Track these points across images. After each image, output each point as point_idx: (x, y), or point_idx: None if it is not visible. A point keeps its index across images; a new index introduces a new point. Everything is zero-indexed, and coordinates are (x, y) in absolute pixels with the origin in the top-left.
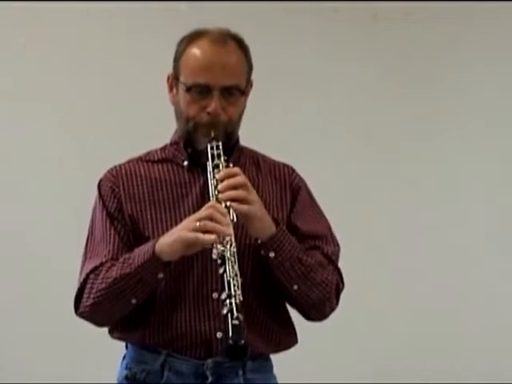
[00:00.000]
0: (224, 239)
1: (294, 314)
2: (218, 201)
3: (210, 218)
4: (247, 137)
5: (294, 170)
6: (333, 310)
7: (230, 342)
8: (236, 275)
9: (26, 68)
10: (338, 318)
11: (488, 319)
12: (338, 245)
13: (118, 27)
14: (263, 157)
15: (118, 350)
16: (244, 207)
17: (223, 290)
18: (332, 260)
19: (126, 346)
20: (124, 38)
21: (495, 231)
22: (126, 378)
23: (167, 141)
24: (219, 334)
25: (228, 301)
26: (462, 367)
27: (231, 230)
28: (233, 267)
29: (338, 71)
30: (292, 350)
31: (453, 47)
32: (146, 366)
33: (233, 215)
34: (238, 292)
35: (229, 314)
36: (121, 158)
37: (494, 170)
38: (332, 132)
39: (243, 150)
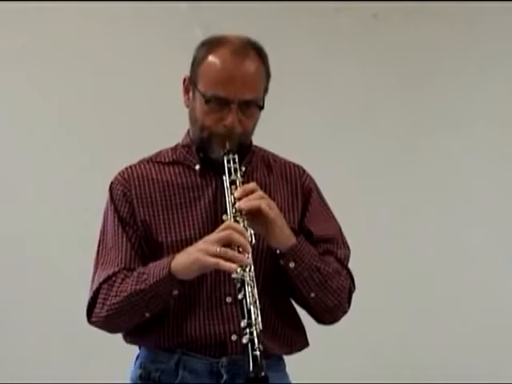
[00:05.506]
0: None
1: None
2: (236, 220)
3: (230, 241)
4: None
5: (304, 171)
6: (345, 313)
7: (252, 375)
8: (255, 302)
9: (26, 68)
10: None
11: (489, 320)
12: (348, 247)
13: (119, 27)
14: (273, 156)
15: (129, 349)
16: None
17: (243, 317)
18: (345, 265)
19: (139, 346)
20: (124, 37)
21: (502, 232)
22: (141, 377)
23: (168, 141)
24: (234, 337)
25: (248, 330)
26: (465, 368)
27: (250, 255)
28: (252, 293)
29: (338, 71)
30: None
31: (452, 47)
32: (160, 364)
33: (251, 236)
34: (259, 320)
35: (249, 344)
36: (123, 160)
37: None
38: (331, 131)
39: (254, 150)
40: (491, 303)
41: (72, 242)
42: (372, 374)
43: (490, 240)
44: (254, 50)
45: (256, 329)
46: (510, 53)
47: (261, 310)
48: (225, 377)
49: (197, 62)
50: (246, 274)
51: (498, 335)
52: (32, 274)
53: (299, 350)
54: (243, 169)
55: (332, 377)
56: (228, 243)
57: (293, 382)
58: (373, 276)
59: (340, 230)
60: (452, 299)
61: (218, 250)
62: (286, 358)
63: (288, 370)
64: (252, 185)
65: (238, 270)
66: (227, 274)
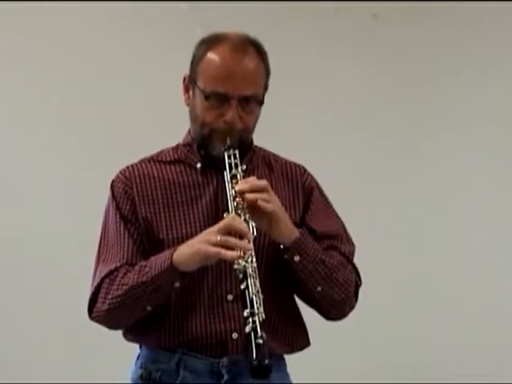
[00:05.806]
0: (245, 254)
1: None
2: (238, 213)
3: (231, 231)
4: None
5: (305, 170)
6: (352, 308)
7: (255, 362)
8: (258, 292)
9: (26, 68)
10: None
11: (489, 320)
12: (353, 243)
13: (119, 27)
14: (274, 156)
15: (130, 349)
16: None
17: (245, 307)
18: (350, 259)
19: (140, 346)
20: (124, 37)
21: (502, 232)
22: (141, 377)
23: (169, 140)
24: (235, 335)
25: (251, 319)
26: (465, 368)
27: (252, 245)
28: (255, 283)
29: (338, 71)
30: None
31: (452, 47)
32: (161, 365)
33: (252, 228)
34: (261, 309)
35: (252, 333)
36: (124, 160)
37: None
38: (331, 131)
39: (255, 150)
40: (491, 303)
41: (72, 242)
42: (373, 374)
43: (490, 240)
44: (253, 46)
45: (259, 317)
46: (510, 53)
47: (263, 299)
48: (225, 377)
49: (196, 60)
50: (248, 265)
51: (498, 335)
52: (32, 274)
53: (300, 349)
54: (244, 167)
55: (333, 377)
56: (229, 231)
57: (293, 382)
58: (373, 276)
59: (343, 226)
60: (452, 299)
61: (219, 238)
62: (287, 357)
63: (288, 369)
64: (253, 178)
65: (240, 260)
66: (228, 271)
